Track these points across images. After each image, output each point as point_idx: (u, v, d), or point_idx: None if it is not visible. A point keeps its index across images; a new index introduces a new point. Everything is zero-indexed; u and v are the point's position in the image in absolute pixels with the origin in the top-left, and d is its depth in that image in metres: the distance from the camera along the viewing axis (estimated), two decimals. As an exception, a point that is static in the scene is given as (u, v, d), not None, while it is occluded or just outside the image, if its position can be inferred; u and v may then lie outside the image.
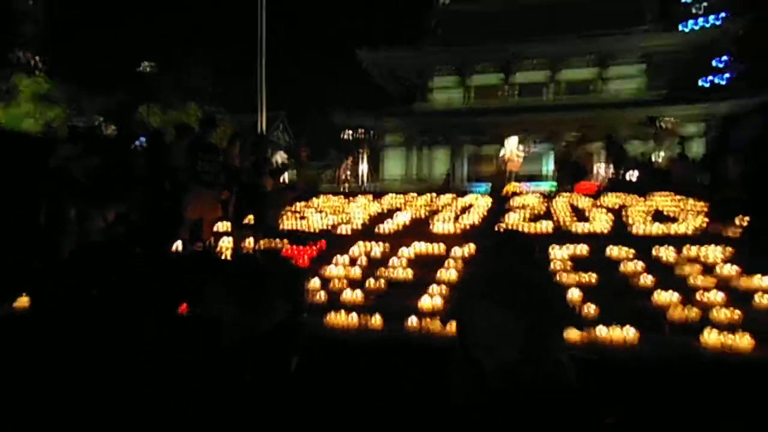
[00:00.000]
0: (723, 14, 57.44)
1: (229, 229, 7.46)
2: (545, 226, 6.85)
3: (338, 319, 4.11)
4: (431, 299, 4.40)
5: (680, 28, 28.82)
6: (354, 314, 4.12)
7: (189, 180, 6.29)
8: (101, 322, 2.51)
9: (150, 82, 22.26)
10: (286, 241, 6.54)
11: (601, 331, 3.62)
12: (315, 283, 4.91)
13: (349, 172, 18.85)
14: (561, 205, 8.53)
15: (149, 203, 5.22)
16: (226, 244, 6.76)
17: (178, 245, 5.79)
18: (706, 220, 6.49)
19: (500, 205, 8.81)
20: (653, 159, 13.93)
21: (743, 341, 3.39)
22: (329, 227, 7.74)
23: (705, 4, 72.98)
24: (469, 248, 5.75)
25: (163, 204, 5.46)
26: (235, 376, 2.48)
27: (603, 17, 27.71)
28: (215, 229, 6.99)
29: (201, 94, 26.23)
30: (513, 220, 7.37)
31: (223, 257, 5.42)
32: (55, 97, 23.30)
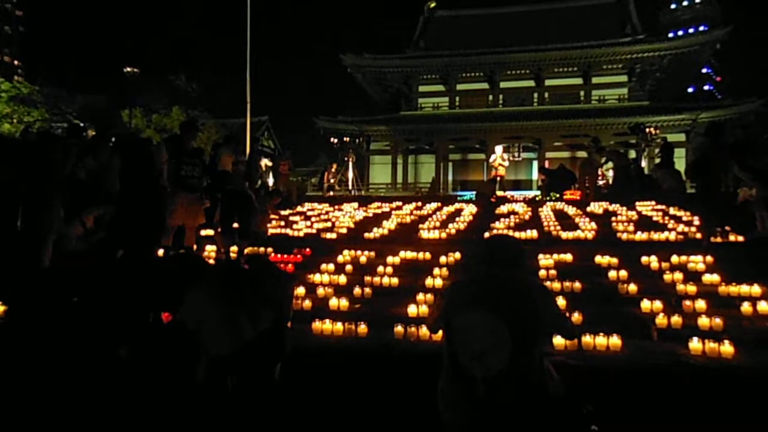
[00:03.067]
0: (702, 27, 58.93)
1: (213, 235, 7.36)
2: (531, 234, 6.87)
3: (324, 326, 4.06)
4: (418, 306, 4.37)
5: (663, 38, 29.24)
6: (340, 322, 4.07)
7: (173, 185, 6.20)
8: (81, 331, 2.43)
9: (133, 86, 21.98)
10: (271, 249, 6.47)
11: (588, 338, 3.62)
12: (300, 290, 4.85)
13: (333, 180, 18.78)
14: (547, 212, 8.58)
15: (130, 208, 5.11)
16: (210, 250, 6.68)
17: (160, 251, 5.69)
18: (697, 228, 6.55)
19: (487, 212, 8.84)
20: (640, 166, 14.09)
21: (727, 348, 3.41)
22: (315, 233, 7.69)
23: (685, 17, 74.63)
24: (456, 255, 5.74)
25: (145, 209, 5.35)
26: (218, 383, 2.42)
27: (587, 27, 28.21)
28: (199, 234, 6.90)
29: (185, 98, 26.00)
30: (499, 227, 7.39)
31: (207, 263, 5.33)
32: (36, 100, 22.94)
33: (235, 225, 6.90)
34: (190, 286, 2.39)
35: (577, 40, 26.75)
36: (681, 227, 6.81)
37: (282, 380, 2.72)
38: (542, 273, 5.18)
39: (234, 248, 6.53)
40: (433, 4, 33.84)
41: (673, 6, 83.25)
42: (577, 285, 4.72)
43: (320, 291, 4.93)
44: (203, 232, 7.22)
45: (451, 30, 31.73)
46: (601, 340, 3.60)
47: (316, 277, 5.33)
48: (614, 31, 27.94)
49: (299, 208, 10.24)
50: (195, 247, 6.47)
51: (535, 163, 26.74)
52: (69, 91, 24.85)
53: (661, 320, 3.92)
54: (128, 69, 21.11)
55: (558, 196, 11.34)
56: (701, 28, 57.79)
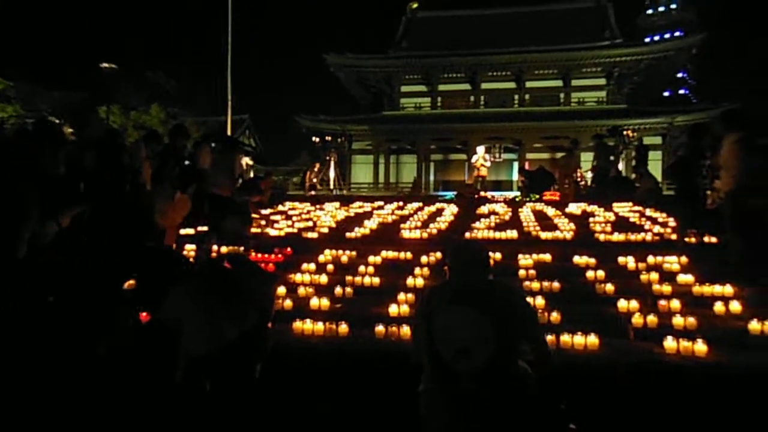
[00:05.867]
0: (678, 32, 60.41)
1: (193, 234, 7.27)
2: (511, 234, 6.94)
3: (305, 326, 4.05)
4: (399, 306, 4.39)
5: (640, 43, 29.82)
6: (321, 321, 4.06)
7: (164, 183, 6.11)
8: (57, 331, 2.38)
9: (110, 82, 21.59)
10: (251, 248, 6.42)
11: (565, 337, 3.68)
12: (281, 289, 4.83)
13: (315, 180, 18.71)
14: (527, 212, 8.68)
15: (109, 206, 5.01)
16: (190, 249, 6.59)
17: (140, 250, 5.59)
18: (673, 229, 6.67)
19: (467, 212, 8.90)
20: (618, 168, 14.31)
21: (700, 347, 3.49)
22: (296, 233, 7.65)
23: (662, 22, 76.38)
24: (437, 255, 5.77)
25: (123, 207, 5.26)
26: (197, 383, 2.40)
27: (567, 30, 28.62)
28: (179, 233, 6.81)
29: (164, 95, 25.63)
30: (480, 227, 7.45)
31: (189, 262, 5.26)
32: (10, 96, 22.36)
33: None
34: (171, 284, 2.36)
35: (557, 43, 27.12)
36: (657, 228, 6.95)
37: (262, 380, 2.71)
38: (522, 273, 5.24)
39: (215, 247, 6.46)
40: (414, 5, 33.97)
41: (650, 11, 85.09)
42: (556, 285, 4.79)
43: (301, 291, 4.91)
44: (182, 231, 7.13)
45: (434, 31, 31.87)
46: (579, 339, 3.66)
47: (297, 277, 5.31)
48: (593, 35, 28.41)
49: (280, 207, 10.17)
50: (174, 246, 6.39)
51: (516, 164, 27.02)
52: (45, 87, 24.29)
53: (637, 319, 4.00)
54: (105, 65, 20.72)
55: (538, 197, 11.48)
56: (677, 33, 59.24)
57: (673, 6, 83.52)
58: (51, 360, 2.29)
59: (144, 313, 2.56)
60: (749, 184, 5.05)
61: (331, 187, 19.84)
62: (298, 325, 4.06)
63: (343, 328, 4.03)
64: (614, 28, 29.47)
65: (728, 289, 4.53)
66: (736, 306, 4.21)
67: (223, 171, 7.08)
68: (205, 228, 7.22)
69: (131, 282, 2.75)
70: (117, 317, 2.53)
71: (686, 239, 6.18)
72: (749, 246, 5.25)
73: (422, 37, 31.22)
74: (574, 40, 27.35)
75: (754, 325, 3.80)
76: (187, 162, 7.06)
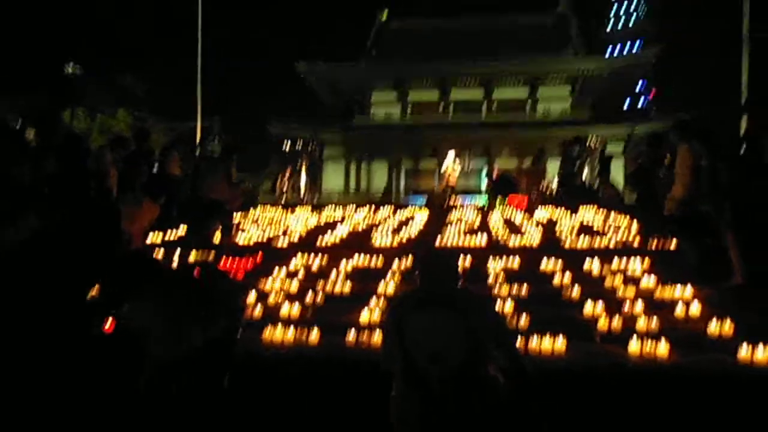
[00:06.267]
0: (639, 41, 62.69)
1: (162, 241, 7.12)
2: (480, 240, 7.04)
3: (275, 334, 4.00)
4: (370, 313, 4.39)
5: (602, 55, 30.84)
6: (291, 329, 4.03)
7: (133, 190, 5.97)
8: (13, 339, 2.30)
9: (75, 85, 20.95)
10: (222, 254, 6.33)
11: (533, 341, 3.74)
12: (251, 297, 4.77)
13: (286, 186, 18.54)
14: (496, 219, 8.82)
15: (72, 211, 4.86)
16: (158, 255, 6.45)
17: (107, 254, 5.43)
18: (635, 234, 6.87)
19: (438, 219, 8.99)
20: (583, 176, 14.67)
21: (662, 349, 3.61)
22: (267, 240, 7.57)
23: (623, 33, 79.11)
24: (408, 261, 5.80)
25: (87, 212, 5.10)
26: (161, 392, 2.34)
27: (533, 42, 29.35)
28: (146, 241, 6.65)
29: (133, 99, 25.05)
30: (450, 233, 7.53)
31: (163, 265, 5.15)
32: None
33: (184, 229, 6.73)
34: (138, 289, 2.31)
35: (523, 54, 27.76)
36: (621, 233, 7.16)
37: (230, 389, 2.66)
38: (491, 278, 5.31)
39: (184, 254, 6.33)
40: (385, 14, 34.26)
41: (611, 24, 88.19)
42: (524, 290, 4.88)
43: (271, 298, 4.86)
44: (150, 238, 6.97)
45: (404, 40, 32.17)
46: (546, 343, 3.73)
47: (267, 284, 5.26)
48: (558, 47, 29.22)
49: (251, 214, 10.04)
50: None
51: (485, 171, 27.41)
52: (6, 90, 23.40)
53: (602, 323, 4.10)
54: (70, 68, 20.10)
55: (504, 200, 11.68)
56: (637, 43, 61.56)
57: (633, 19, 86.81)
58: (12, 369, 2.20)
59: (109, 320, 2.49)
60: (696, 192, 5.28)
61: (303, 193, 19.70)
62: (268, 333, 4.01)
63: (314, 335, 4.01)
64: (577, 40, 30.36)
65: (688, 291, 4.70)
66: (695, 308, 4.36)
67: (219, 175, 6.95)
68: (179, 233, 7.06)
69: (95, 289, 2.68)
70: (81, 325, 2.46)
71: (648, 244, 6.39)
72: (702, 250, 5.47)
73: (393, 47, 31.48)
74: (539, 51, 28.06)
75: (713, 327, 3.95)
76: (155, 168, 6.92)
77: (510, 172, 15.53)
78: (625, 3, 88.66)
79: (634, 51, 34.20)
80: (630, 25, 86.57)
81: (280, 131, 27.71)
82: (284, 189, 18.39)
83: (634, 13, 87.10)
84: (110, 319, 2.37)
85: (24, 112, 21.29)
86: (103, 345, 2.33)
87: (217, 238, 6.92)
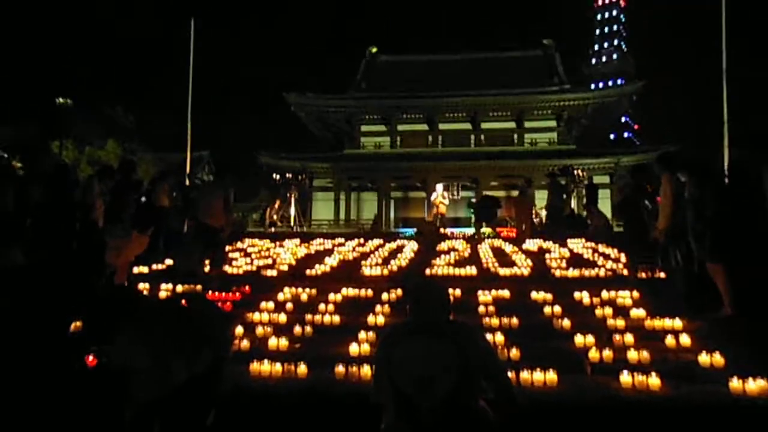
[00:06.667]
0: (620, 80, 65.12)
1: (149, 271, 7.04)
2: (471, 270, 7.03)
3: (263, 367, 3.92)
4: (359, 345, 4.32)
5: (586, 89, 31.65)
6: (279, 362, 3.95)
7: (121, 221, 5.90)
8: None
9: (66, 117, 20.94)
10: (211, 284, 6.25)
11: (525, 374, 3.70)
12: (239, 329, 4.68)
13: (275, 216, 18.51)
14: (485, 249, 8.83)
15: (57, 243, 4.80)
16: (143, 288, 6.35)
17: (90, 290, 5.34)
18: (624, 265, 6.91)
19: (427, 249, 8.98)
20: (571, 206, 14.86)
21: (654, 381, 3.58)
22: (256, 269, 7.50)
23: (604, 70, 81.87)
24: (398, 292, 5.76)
25: (73, 244, 5.04)
26: (144, 428, 2.26)
27: (519, 76, 30.14)
28: (132, 272, 6.56)
29: (122, 131, 25.07)
30: (440, 263, 7.51)
31: (140, 300, 5.06)
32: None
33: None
34: (121, 324, 2.25)
35: (509, 88, 28.42)
36: (609, 264, 7.19)
37: (216, 425, 2.58)
38: (481, 309, 5.28)
39: (168, 286, 6.24)
40: (374, 49, 35.09)
41: (593, 61, 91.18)
42: (515, 321, 4.85)
43: (259, 330, 4.78)
44: (136, 270, 6.88)
45: (392, 74, 32.83)
46: (538, 376, 3.69)
47: (255, 316, 5.18)
48: (543, 81, 30.00)
49: (239, 245, 9.98)
50: (126, 283, 6.14)
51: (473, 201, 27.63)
52: None
53: (593, 354, 4.07)
54: (61, 100, 20.15)
55: (491, 229, 11.73)
56: (619, 81, 63.59)
57: (614, 57, 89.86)
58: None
59: (91, 356, 2.43)
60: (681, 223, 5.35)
61: (292, 224, 19.65)
62: (255, 366, 3.93)
63: (303, 369, 3.93)
64: (562, 74, 31.19)
65: (678, 323, 4.70)
66: (686, 339, 4.36)
67: (216, 201, 6.85)
68: (161, 265, 6.97)
69: (78, 324, 2.62)
70: (62, 361, 2.39)
71: (637, 274, 6.42)
72: (689, 280, 5.52)
73: (381, 80, 32.07)
74: (525, 84, 28.76)
75: (704, 358, 3.94)
76: (143, 199, 6.87)
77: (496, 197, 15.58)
78: (606, 42, 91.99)
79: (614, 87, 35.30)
80: (613, 60, 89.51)
81: (270, 162, 27.83)
82: (273, 219, 18.35)
83: (616, 52, 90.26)
84: (92, 354, 2.32)
85: (11, 142, 21.23)
86: (85, 381, 2.26)
87: (206, 267, 6.83)
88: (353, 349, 4.26)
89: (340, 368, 3.86)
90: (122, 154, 23.36)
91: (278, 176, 21.80)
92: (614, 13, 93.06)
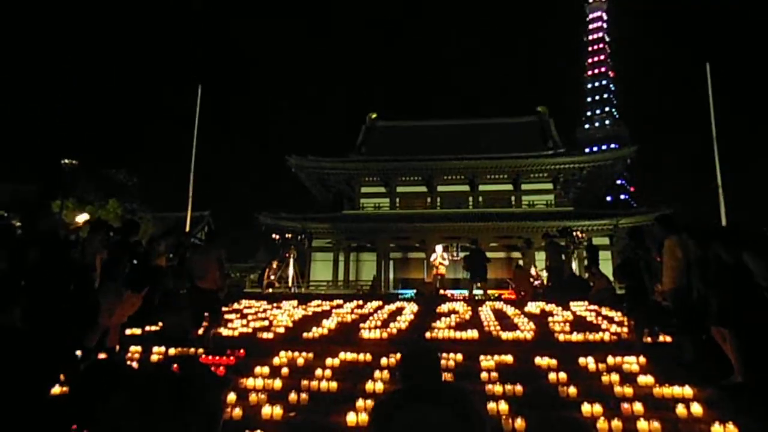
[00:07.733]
0: (613, 144, 67.12)
1: (141, 333, 6.87)
2: (472, 334, 6.86)
3: (256, 437, 3.72)
4: (357, 414, 4.13)
5: (580, 153, 32.39)
6: (273, 432, 3.76)
7: (114, 281, 5.81)
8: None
9: (69, 178, 21.23)
10: (201, 350, 6.07)
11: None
12: (231, 396, 4.49)
13: (273, 277, 18.37)
14: (487, 312, 8.68)
15: (47, 307, 4.69)
16: (134, 351, 6.16)
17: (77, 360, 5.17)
18: (629, 329, 6.75)
19: (427, 311, 8.82)
20: (572, 267, 14.77)
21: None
22: (252, 331, 7.32)
23: (598, 135, 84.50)
24: (397, 356, 5.58)
25: (62, 306, 4.92)
26: None
27: (514, 140, 31.04)
28: (124, 333, 6.39)
29: (123, 191, 25.35)
30: (440, 326, 7.35)
31: (131, 367, 4.89)
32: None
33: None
34: (106, 398, 2.15)
35: (505, 152, 29.15)
36: (614, 327, 7.04)
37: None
38: (484, 375, 5.10)
39: (161, 349, 6.05)
40: (374, 115, 36.33)
41: (587, 126, 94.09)
42: (519, 388, 4.67)
43: (252, 397, 4.58)
44: (128, 331, 6.71)
45: (391, 138, 33.75)
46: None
47: (249, 382, 4.98)
48: (537, 145, 30.82)
49: (236, 306, 9.81)
50: (118, 347, 5.96)
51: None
52: None
53: (602, 425, 3.89)
54: (66, 161, 20.51)
55: (482, 292, 11.58)
56: (613, 145, 65.34)
57: (607, 122, 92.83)
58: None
59: (74, 427, 2.30)
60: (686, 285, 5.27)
61: (290, 284, 19.46)
62: (248, 436, 3.73)
63: (298, 439, 3.73)
64: (556, 139, 32.04)
65: (688, 391, 4.53)
66: (697, 408, 4.18)
67: (211, 262, 6.76)
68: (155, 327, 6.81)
69: (63, 390, 2.50)
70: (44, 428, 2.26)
71: (643, 339, 6.26)
72: (696, 345, 5.36)
73: (381, 143, 32.90)
74: (520, 149, 29.55)
75: (717, 429, 3.76)
76: (135, 261, 6.79)
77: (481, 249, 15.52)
78: (598, 109, 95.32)
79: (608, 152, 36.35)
80: (606, 126, 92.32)
81: (270, 222, 27.97)
82: (271, 280, 18.19)
83: (608, 118, 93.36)
84: (75, 426, 2.19)
85: (11, 200, 21.40)
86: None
87: (200, 330, 6.67)
88: (350, 418, 4.07)
89: (336, 439, 3.66)
90: (123, 213, 23.50)
91: (278, 236, 21.84)
92: (604, 82, 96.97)
